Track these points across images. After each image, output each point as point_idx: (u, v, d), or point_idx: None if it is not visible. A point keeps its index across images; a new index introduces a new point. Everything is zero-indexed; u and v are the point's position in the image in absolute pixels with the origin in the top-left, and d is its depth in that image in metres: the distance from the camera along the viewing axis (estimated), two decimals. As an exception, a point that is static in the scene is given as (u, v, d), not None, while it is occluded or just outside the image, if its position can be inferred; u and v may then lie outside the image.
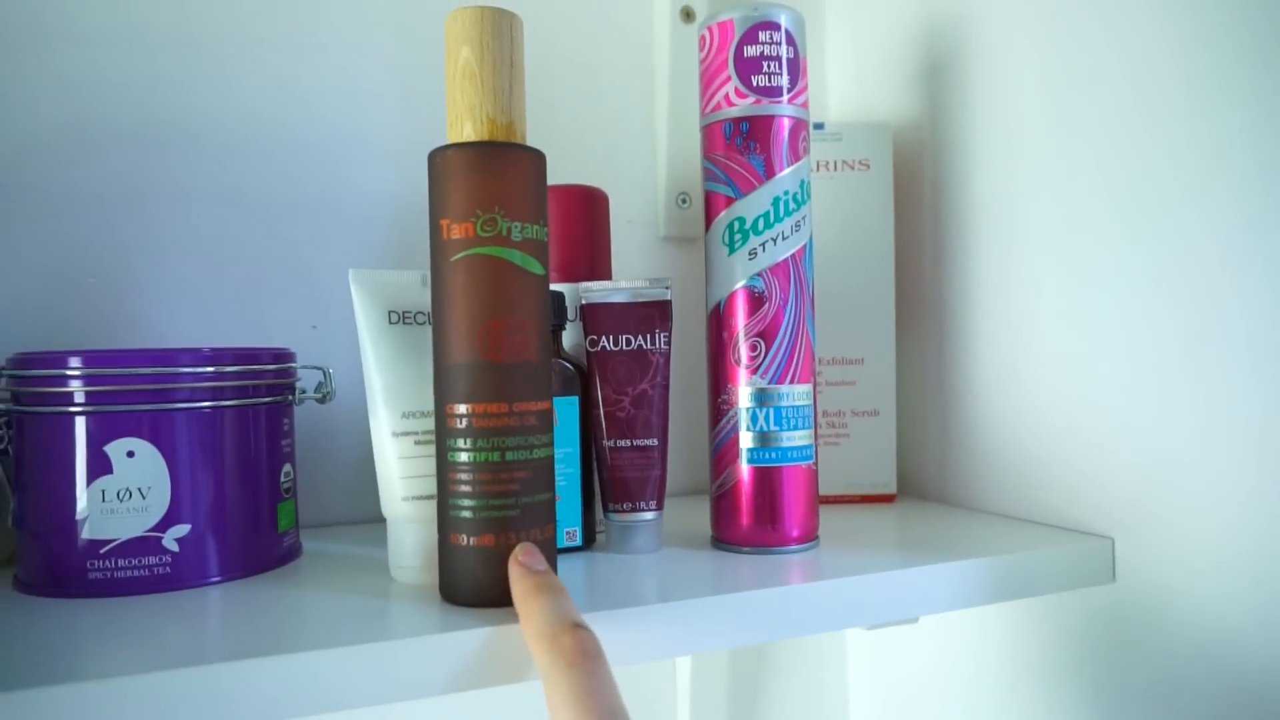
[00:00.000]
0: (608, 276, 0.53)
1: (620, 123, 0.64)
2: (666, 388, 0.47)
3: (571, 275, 0.51)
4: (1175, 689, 0.43)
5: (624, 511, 0.46)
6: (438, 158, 0.38)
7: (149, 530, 0.39)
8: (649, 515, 0.46)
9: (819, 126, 0.57)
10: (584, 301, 0.47)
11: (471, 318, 0.36)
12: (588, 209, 0.52)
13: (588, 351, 0.47)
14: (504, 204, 0.36)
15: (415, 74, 0.57)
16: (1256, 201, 0.40)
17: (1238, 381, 0.40)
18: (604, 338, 0.46)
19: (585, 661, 0.30)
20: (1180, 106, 0.43)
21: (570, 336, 0.50)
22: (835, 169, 0.57)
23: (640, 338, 0.46)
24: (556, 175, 0.54)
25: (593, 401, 0.46)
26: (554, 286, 0.50)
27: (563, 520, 0.46)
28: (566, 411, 0.46)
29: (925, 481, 0.60)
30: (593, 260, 0.52)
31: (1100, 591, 0.47)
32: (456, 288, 0.36)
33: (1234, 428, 0.41)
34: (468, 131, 0.37)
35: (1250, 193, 0.40)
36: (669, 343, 0.47)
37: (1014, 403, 0.53)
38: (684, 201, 0.65)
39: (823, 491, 0.54)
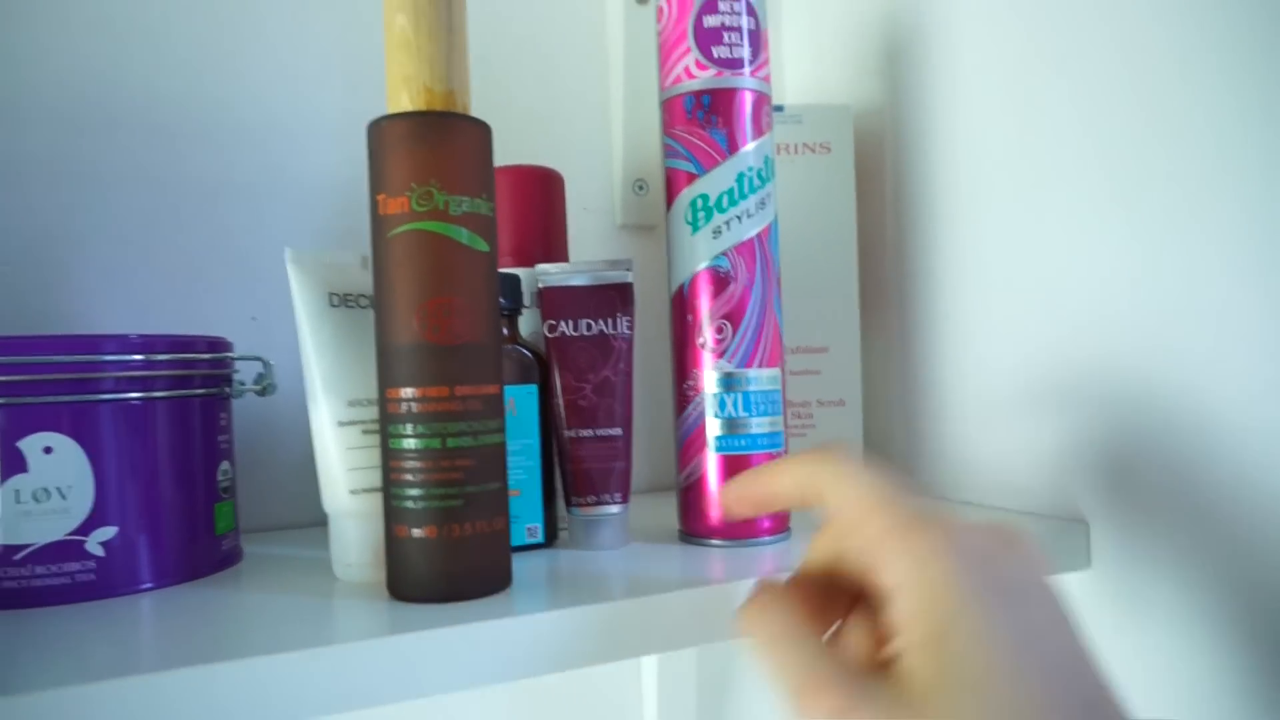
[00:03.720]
0: (565, 261, 0.51)
1: (574, 107, 0.62)
2: (630, 375, 0.45)
3: (527, 259, 0.49)
4: (1152, 674, 0.42)
5: (588, 505, 0.44)
6: (373, 130, 0.35)
7: (70, 534, 0.36)
8: (614, 508, 0.44)
9: (779, 109, 0.55)
10: (541, 285, 0.45)
11: (409, 297, 0.34)
12: (542, 190, 0.50)
13: (546, 337, 0.44)
14: (441, 176, 0.34)
15: (361, 50, 0.54)
16: (1232, 184, 0.38)
17: (1211, 364, 0.39)
18: (563, 322, 0.44)
19: None
20: (1149, 85, 0.41)
21: (529, 323, 0.48)
22: (796, 152, 0.55)
23: (601, 322, 0.44)
24: (508, 161, 0.51)
25: (552, 390, 0.44)
26: (509, 270, 0.48)
27: (523, 516, 0.43)
28: (525, 401, 0.44)
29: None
30: (549, 244, 0.50)
31: (1076, 578, 0.45)
32: (393, 266, 0.34)
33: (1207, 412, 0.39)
34: (404, 102, 0.35)
35: (1224, 173, 0.38)
36: (631, 327, 0.45)
37: (981, 389, 0.51)
38: (641, 188, 0.63)
39: None
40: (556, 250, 0.51)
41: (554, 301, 0.44)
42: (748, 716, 0.65)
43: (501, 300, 0.44)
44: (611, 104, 0.63)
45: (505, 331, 0.44)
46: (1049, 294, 0.46)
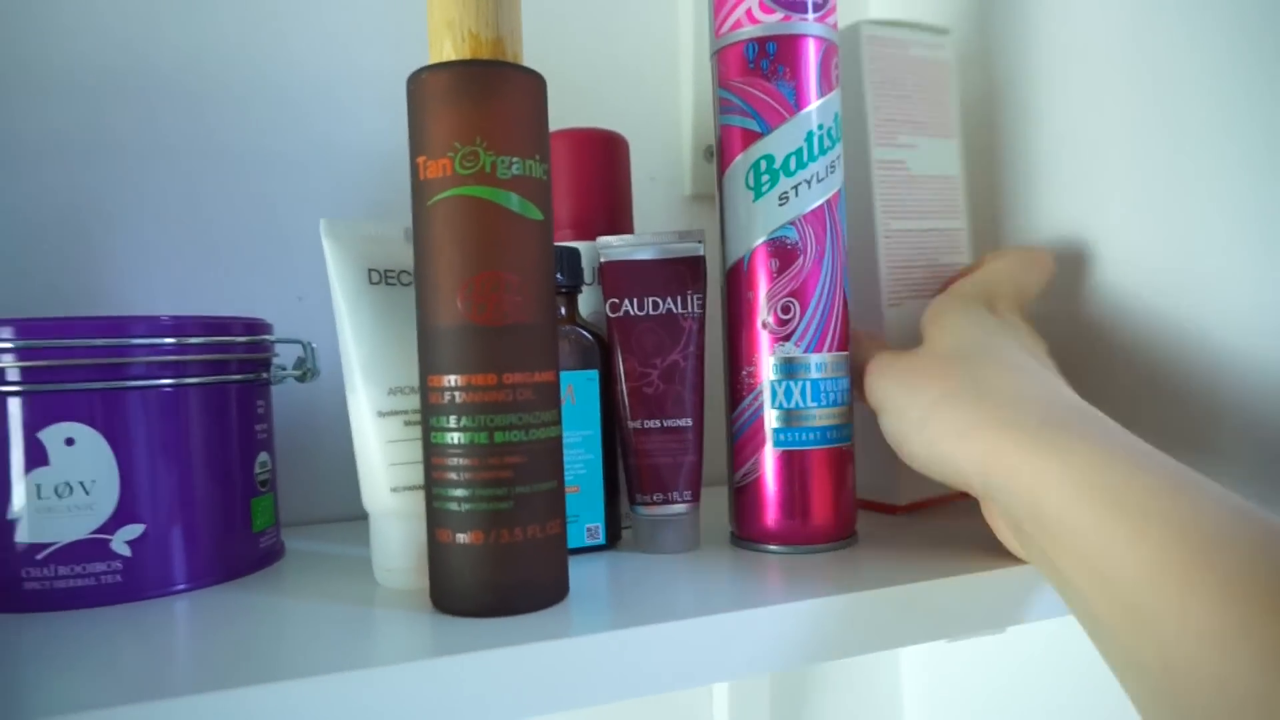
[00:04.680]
0: (629, 234, 0.47)
1: (638, 65, 0.57)
2: (701, 359, 0.40)
3: (588, 232, 0.45)
4: None
5: (653, 504, 0.39)
6: (413, 84, 0.31)
7: (94, 532, 0.33)
8: (682, 508, 0.39)
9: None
10: (603, 259, 0.40)
11: (452, 272, 0.30)
12: (604, 155, 0.46)
13: (608, 317, 0.40)
14: (488, 134, 0.30)
15: (410, 10, 0.50)
16: None
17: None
18: (627, 301, 0.40)
19: None
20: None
21: (589, 302, 0.43)
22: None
23: (669, 300, 0.40)
24: (565, 125, 0.47)
25: (615, 376, 0.40)
26: (569, 244, 0.43)
27: (582, 515, 0.39)
28: (585, 388, 0.39)
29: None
30: (612, 215, 0.46)
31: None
32: (434, 236, 0.30)
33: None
34: (447, 51, 0.31)
35: None
36: (703, 306, 0.40)
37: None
38: (712, 155, 0.58)
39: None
40: (621, 222, 0.47)
41: (617, 277, 0.40)
42: (827, 726, 0.60)
43: (559, 276, 0.40)
44: (681, 62, 0.58)
45: (563, 311, 0.40)
46: (1181, 270, 0.40)
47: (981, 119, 0.50)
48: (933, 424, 0.34)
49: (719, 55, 0.40)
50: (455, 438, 0.30)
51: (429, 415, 0.31)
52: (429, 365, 0.31)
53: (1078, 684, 0.49)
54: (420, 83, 0.31)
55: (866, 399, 0.38)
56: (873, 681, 0.61)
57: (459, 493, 0.30)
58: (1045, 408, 0.32)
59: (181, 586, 0.35)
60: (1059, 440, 0.29)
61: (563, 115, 0.49)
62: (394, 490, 0.34)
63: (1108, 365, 0.43)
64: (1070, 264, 0.45)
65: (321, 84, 0.49)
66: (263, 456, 0.39)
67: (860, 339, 0.41)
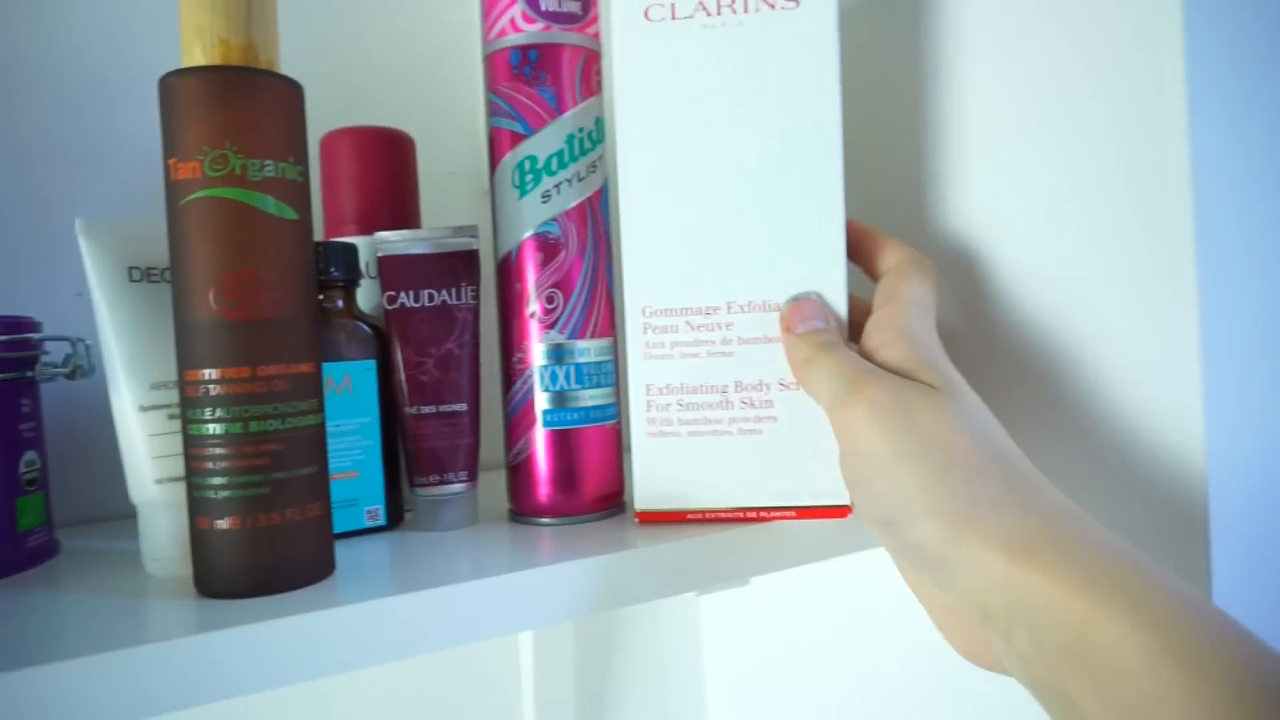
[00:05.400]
0: (418, 229, 0.48)
1: (436, 66, 0.59)
2: (476, 347, 0.43)
3: (374, 227, 0.46)
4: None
5: (430, 485, 0.42)
6: (163, 88, 0.32)
7: None
8: (458, 487, 0.42)
9: None
10: (380, 254, 0.42)
11: (205, 270, 0.31)
12: (388, 153, 0.47)
13: (385, 309, 0.42)
14: (237, 138, 0.31)
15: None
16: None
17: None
18: (403, 294, 0.42)
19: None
20: None
21: (370, 295, 0.45)
22: (744, 9, 0.38)
23: (444, 292, 0.42)
24: (366, 120, 0.49)
25: (393, 365, 0.42)
26: (348, 239, 0.45)
27: (362, 498, 0.41)
28: (362, 377, 0.41)
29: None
30: (398, 211, 0.48)
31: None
32: (186, 236, 0.31)
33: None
34: (196, 56, 0.32)
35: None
36: (476, 297, 0.42)
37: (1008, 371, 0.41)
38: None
39: (739, 505, 0.39)
40: (407, 217, 0.48)
41: (393, 271, 0.42)
42: (626, 694, 0.64)
43: (334, 271, 0.41)
44: (475, 61, 0.60)
45: (341, 304, 0.42)
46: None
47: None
48: (962, 521, 0.29)
49: (488, 60, 0.42)
50: (212, 429, 0.31)
51: (187, 408, 0.32)
52: (185, 360, 0.32)
53: (867, 618, 0.55)
54: (169, 87, 0.32)
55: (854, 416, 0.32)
56: (672, 631, 0.65)
57: (217, 480, 0.31)
58: (1075, 525, 0.29)
59: (-61, 588, 0.35)
60: (1111, 573, 0.27)
61: (363, 113, 0.51)
62: (158, 482, 0.35)
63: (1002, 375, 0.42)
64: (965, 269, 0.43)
65: (93, 77, 0.48)
66: (29, 455, 0.39)
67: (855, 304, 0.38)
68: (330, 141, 0.47)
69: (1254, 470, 0.37)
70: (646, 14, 0.38)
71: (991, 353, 0.42)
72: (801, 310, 0.37)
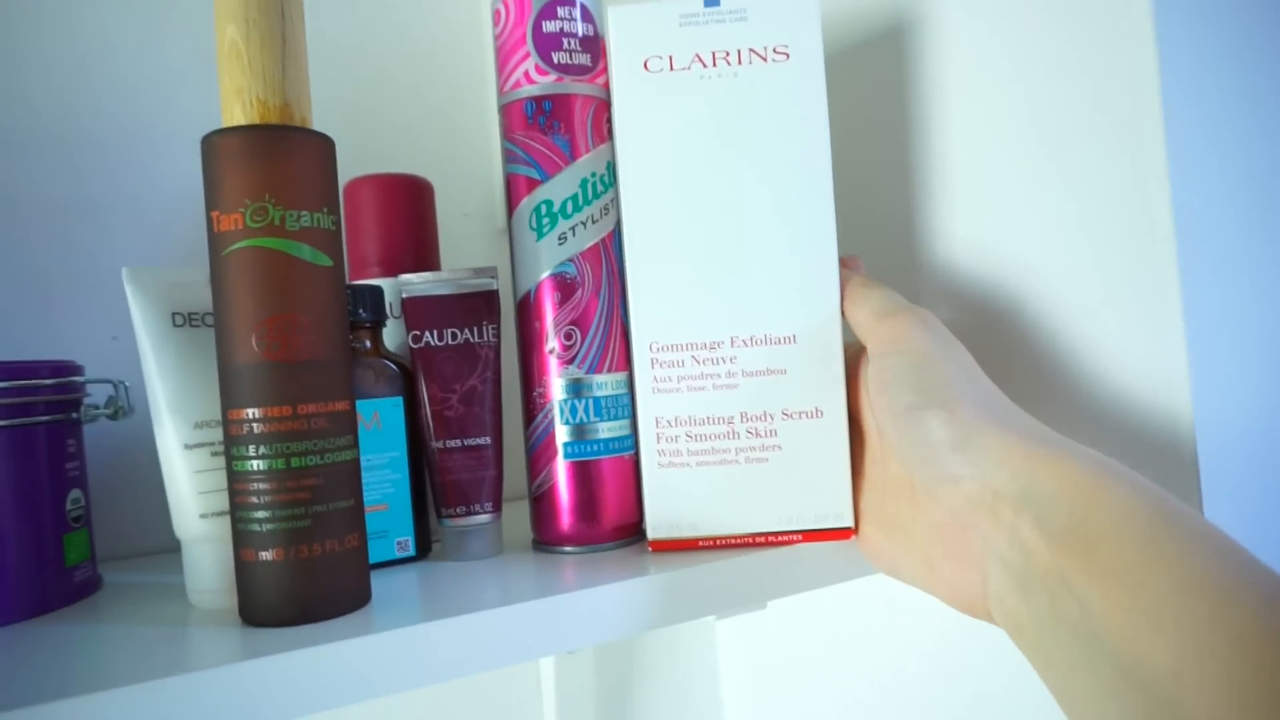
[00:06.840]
0: (437, 269, 0.51)
1: (451, 113, 0.62)
2: (498, 383, 0.44)
3: (396, 270, 0.48)
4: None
5: (457, 516, 0.43)
6: (206, 146, 0.35)
7: (-103, 574, 0.35)
8: (484, 518, 0.43)
9: (712, 2, 0.41)
10: (405, 295, 0.44)
11: (247, 315, 0.33)
12: (408, 199, 0.50)
13: (411, 348, 0.44)
14: (276, 191, 0.33)
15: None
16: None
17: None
18: (428, 333, 0.44)
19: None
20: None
21: (395, 335, 0.47)
22: (738, 61, 0.40)
23: (467, 330, 0.44)
24: (386, 168, 0.51)
25: (419, 401, 0.44)
26: (373, 282, 0.47)
27: (392, 530, 0.43)
28: (390, 414, 0.43)
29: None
30: (419, 253, 0.50)
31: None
32: (230, 284, 0.33)
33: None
34: (237, 116, 0.34)
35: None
36: (498, 335, 0.44)
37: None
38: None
39: (747, 531, 0.40)
40: (428, 259, 0.51)
41: (417, 312, 0.44)
42: (649, 712, 0.65)
43: (362, 313, 0.43)
44: (488, 110, 0.62)
45: (369, 344, 0.44)
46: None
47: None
48: (986, 411, 0.33)
49: (503, 110, 0.45)
50: (256, 465, 0.33)
51: (231, 446, 0.34)
52: (230, 400, 0.34)
53: (883, 644, 0.56)
54: (212, 144, 0.34)
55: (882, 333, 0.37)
56: (690, 656, 0.66)
57: (261, 514, 0.33)
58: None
59: (-8, 623, 0.37)
60: (1115, 465, 0.30)
61: (382, 160, 0.53)
62: (203, 516, 0.37)
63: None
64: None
65: (132, 129, 0.51)
66: (75, 493, 0.41)
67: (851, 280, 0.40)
68: (354, 189, 0.50)
69: (1243, 443, 0.38)
70: (646, 65, 0.41)
71: (991, 353, 0.43)
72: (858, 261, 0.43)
